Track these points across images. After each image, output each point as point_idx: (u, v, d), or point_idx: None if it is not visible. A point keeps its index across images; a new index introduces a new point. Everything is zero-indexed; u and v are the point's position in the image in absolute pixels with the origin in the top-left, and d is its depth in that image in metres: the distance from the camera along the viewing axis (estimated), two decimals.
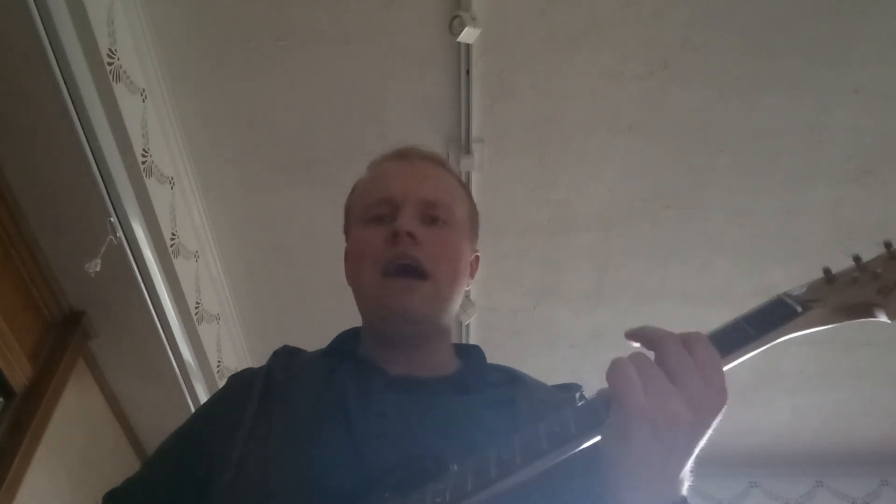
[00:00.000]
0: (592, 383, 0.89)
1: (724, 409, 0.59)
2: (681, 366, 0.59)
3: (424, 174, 0.91)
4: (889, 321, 0.62)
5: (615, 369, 0.60)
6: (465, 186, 0.98)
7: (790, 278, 2.52)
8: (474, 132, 2.06)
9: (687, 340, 0.61)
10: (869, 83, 1.97)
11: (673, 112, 2.05)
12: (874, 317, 0.63)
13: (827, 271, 0.66)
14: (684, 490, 0.60)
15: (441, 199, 0.88)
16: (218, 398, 0.92)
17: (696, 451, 0.59)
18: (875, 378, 2.88)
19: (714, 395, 0.58)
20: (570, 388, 0.89)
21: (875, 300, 0.62)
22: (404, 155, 0.94)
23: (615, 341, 2.52)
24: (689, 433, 0.58)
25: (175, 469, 0.85)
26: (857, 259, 0.65)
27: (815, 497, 3.30)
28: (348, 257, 0.92)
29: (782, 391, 2.95)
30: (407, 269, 0.82)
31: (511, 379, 0.88)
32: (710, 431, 0.59)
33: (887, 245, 0.64)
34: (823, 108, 2.03)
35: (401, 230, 0.82)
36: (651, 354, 0.62)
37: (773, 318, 0.63)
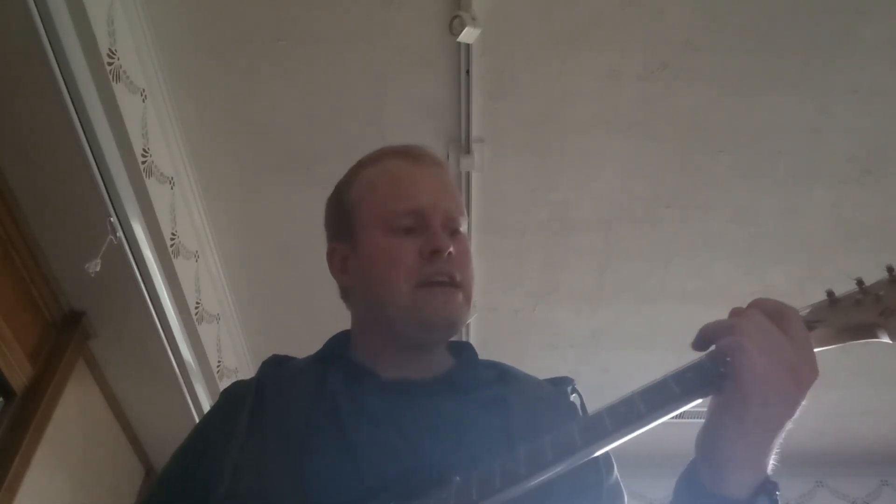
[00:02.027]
0: (593, 383, 0.90)
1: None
2: (784, 342, 0.61)
3: (444, 184, 0.91)
4: (892, 342, 0.65)
5: (738, 345, 0.60)
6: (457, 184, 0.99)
7: (790, 278, 2.52)
8: (474, 132, 2.06)
9: (779, 315, 0.63)
10: (869, 83, 1.97)
11: (673, 112, 2.05)
12: (877, 338, 0.66)
13: (830, 294, 0.68)
14: (769, 466, 0.63)
15: (458, 213, 0.88)
16: (211, 414, 0.92)
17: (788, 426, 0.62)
18: (875, 378, 2.89)
19: (810, 369, 0.61)
20: (561, 382, 0.89)
21: (878, 321, 0.65)
22: (416, 157, 0.91)
23: (615, 341, 2.53)
24: (792, 405, 0.61)
25: (177, 489, 0.85)
26: (860, 282, 0.67)
27: (816, 497, 3.30)
28: (370, 262, 0.86)
29: None
30: (443, 283, 0.83)
31: (502, 376, 0.88)
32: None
33: (889, 269, 0.66)
34: (823, 108, 2.03)
35: (443, 249, 0.82)
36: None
37: None
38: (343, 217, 0.91)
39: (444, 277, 0.82)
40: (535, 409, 0.81)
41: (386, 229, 0.85)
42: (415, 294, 0.82)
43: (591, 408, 0.71)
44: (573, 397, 0.87)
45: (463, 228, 0.89)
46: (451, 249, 0.83)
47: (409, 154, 0.91)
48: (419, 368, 0.85)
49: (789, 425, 0.62)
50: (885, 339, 0.65)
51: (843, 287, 0.69)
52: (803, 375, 0.60)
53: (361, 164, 0.94)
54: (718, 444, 0.61)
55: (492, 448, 0.70)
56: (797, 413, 0.61)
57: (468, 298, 0.86)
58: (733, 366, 0.60)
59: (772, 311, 0.63)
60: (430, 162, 0.92)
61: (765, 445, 0.61)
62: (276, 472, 0.75)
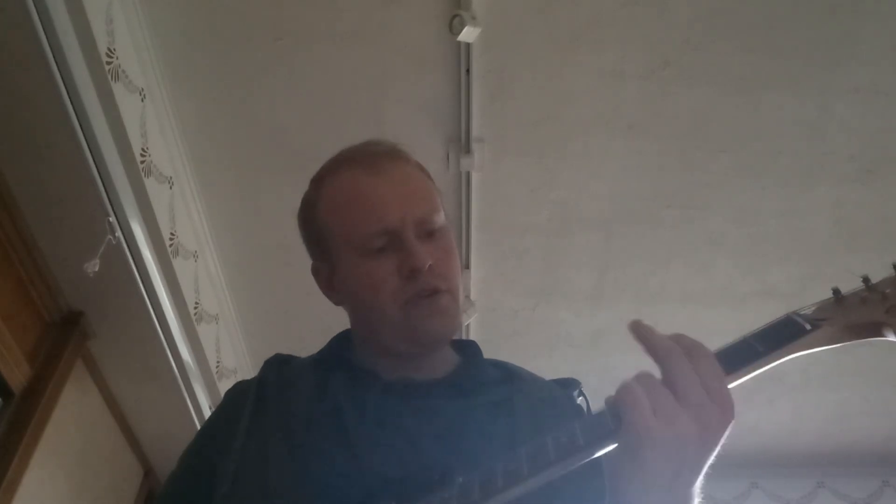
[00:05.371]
0: (593, 384, 0.89)
1: (731, 424, 0.59)
2: (688, 384, 0.59)
3: (408, 188, 0.84)
4: None
5: (625, 393, 0.61)
6: (425, 170, 0.91)
7: (791, 278, 2.51)
8: (474, 132, 2.06)
9: (692, 355, 0.61)
10: (869, 83, 1.97)
11: (673, 111, 2.04)
12: (883, 336, 0.65)
13: (836, 291, 0.67)
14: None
15: (431, 213, 0.84)
16: (215, 415, 0.92)
17: (706, 466, 0.60)
18: (876, 378, 2.88)
19: (720, 412, 0.59)
20: (568, 385, 0.88)
21: (884, 319, 0.64)
22: (374, 164, 0.85)
23: (616, 342, 2.52)
24: (697, 450, 0.58)
25: (184, 491, 0.85)
26: (866, 280, 0.67)
27: (817, 498, 3.29)
28: (353, 286, 0.85)
29: (784, 391, 2.94)
30: (429, 294, 0.81)
31: (508, 376, 0.87)
32: (718, 447, 0.59)
33: None
34: (824, 107, 2.02)
35: (422, 267, 0.79)
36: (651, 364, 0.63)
37: (782, 335, 0.64)
38: (317, 239, 0.89)
39: (427, 292, 0.80)
40: (541, 413, 0.81)
41: (360, 252, 0.82)
42: (403, 313, 0.80)
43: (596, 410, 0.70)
44: (580, 400, 0.87)
45: (440, 223, 0.84)
46: (430, 261, 0.80)
47: (365, 161, 0.85)
48: (422, 369, 0.85)
49: (702, 467, 0.60)
50: (891, 338, 0.64)
51: (846, 286, 0.69)
52: (710, 422, 0.58)
53: (321, 179, 0.90)
54: (611, 477, 0.61)
55: (496, 451, 0.69)
56: (710, 454, 0.59)
57: (455, 297, 0.84)
58: (623, 422, 0.59)
59: (688, 348, 0.62)
60: (389, 165, 0.85)
61: (666, 488, 0.59)
62: (278, 473, 0.75)
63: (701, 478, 0.60)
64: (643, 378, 0.61)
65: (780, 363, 0.65)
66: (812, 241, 2.37)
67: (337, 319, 0.96)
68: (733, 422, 0.59)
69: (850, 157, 2.15)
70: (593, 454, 0.62)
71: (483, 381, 0.86)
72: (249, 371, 2.68)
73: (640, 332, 0.64)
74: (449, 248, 0.85)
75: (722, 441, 0.59)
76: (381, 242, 0.81)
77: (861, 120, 2.05)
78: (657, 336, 0.63)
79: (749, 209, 2.30)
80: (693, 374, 0.60)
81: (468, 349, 0.92)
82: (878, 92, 1.98)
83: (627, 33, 1.87)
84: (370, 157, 0.86)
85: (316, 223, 0.88)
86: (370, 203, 0.82)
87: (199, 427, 0.98)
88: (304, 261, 0.95)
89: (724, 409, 0.59)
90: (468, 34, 1.78)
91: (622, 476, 0.60)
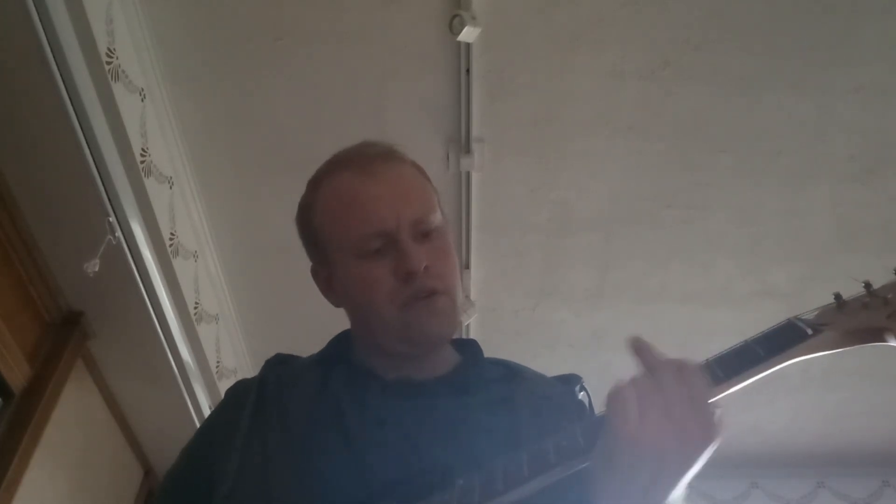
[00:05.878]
0: (593, 384, 0.89)
1: (714, 444, 0.60)
2: (675, 399, 0.60)
3: (402, 189, 0.84)
4: None
5: (617, 395, 0.62)
6: (422, 170, 0.91)
7: (791, 278, 2.50)
8: (474, 132, 2.06)
9: (682, 372, 0.62)
10: (870, 82, 1.96)
11: (674, 112, 2.04)
12: (884, 341, 0.65)
13: (838, 297, 0.67)
14: None
15: (427, 213, 0.84)
16: (215, 413, 0.92)
17: (685, 480, 0.61)
18: (877, 379, 2.88)
19: (702, 431, 0.60)
20: (570, 381, 0.89)
21: (885, 325, 0.64)
22: (368, 167, 0.84)
23: (616, 342, 2.52)
24: (676, 463, 0.60)
25: (183, 489, 0.85)
26: (867, 285, 0.67)
27: (817, 498, 3.29)
28: (350, 288, 0.85)
29: (784, 391, 2.94)
30: (425, 296, 0.81)
31: (509, 374, 0.88)
32: (699, 464, 0.60)
33: None
34: (825, 107, 2.02)
35: (416, 270, 0.79)
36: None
37: (783, 340, 0.65)
38: (314, 242, 0.89)
39: (424, 293, 0.80)
40: (543, 410, 0.81)
41: (356, 255, 0.82)
42: (400, 315, 0.80)
43: (598, 408, 0.71)
44: (581, 396, 0.87)
45: (436, 223, 0.84)
46: (426, 263, 0.80)
47: (360, 163, 0.85)
48: (422, 368, 0.85)
49: (679, 480, 0.60)
50: (893, 343, 0.64)
51: (846, 287, 0.69)
52: (693, 440, 0.59)
53: (317, 181, 0.90)
54: (589, 475, 0.62)
55: (498, 450, 0.69)
56: (690, 468, 0.60)
57: (453, 298, 0.84)
58: (606, 419, 0.61)
59: (679, 366, 0.63)
60: (384, 166, 0.85)
61: (639, 494, 0.60)
62: (278, 473, 0.75)
63: (680, 490, 0.61)
64: (639, 384, 0.62)
65: (782, 367, 0.65)
66: (812, 241, 2.36)
67: (336, 320, 0.96)
68: (716, 442, 0.60)
69: (850, 157, 2.15)
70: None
71: (484, 379, 0.86)
72: (249, 371, 2.68)
73: (638, 346, 0.65)
74: (446, 249, 0.85)
75: (705, 458, 0.60)
76: (377, 244, 0.81)
77: (861, 120, 2.05)
78: (653, 352, 0.65)
79: (749, 209, 2.30)
80: (682, 389, 0.61)
81: (468, 348, 0.92)
82: (878, 92, 1.98)
83: (627, 33, 1.87)
84: (364, 159, 0.86)
85: (312, 226, 0.89)
86: (364, 205, 0.82)
87: (198, 427, 0.98)
88: (304, 261, 0.95)
89: (707, 428, 0.60)
90: (468, 34, 1.78)
91: (598, 475, 0.61)
